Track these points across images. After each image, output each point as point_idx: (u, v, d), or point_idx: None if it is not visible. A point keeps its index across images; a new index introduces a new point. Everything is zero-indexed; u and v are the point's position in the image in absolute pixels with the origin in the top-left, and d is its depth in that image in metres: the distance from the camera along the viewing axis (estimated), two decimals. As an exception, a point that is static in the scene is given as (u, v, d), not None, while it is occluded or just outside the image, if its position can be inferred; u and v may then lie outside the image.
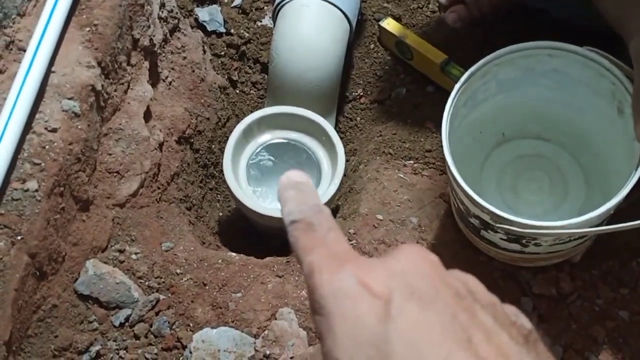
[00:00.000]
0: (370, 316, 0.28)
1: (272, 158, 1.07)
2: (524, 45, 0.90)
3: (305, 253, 0.31)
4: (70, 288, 0.81)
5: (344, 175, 1.04)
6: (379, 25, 1.23)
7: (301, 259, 0.32)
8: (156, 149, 0.96)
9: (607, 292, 0.88)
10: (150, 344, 0.81)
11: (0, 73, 0.79)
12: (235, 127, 1.04)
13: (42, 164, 0.75)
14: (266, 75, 1.19)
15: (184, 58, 1.12)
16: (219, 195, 1.18)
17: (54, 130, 0.77)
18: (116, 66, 0.90)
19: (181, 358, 0.80)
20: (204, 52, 1.20)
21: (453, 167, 0.79)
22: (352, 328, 0.28)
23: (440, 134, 1.12)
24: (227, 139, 1.02)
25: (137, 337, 0.81)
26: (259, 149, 1.06)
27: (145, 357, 0.79)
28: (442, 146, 0.83)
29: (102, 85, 0.86)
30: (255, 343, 0.80)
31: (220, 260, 0.89)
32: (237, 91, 1.27)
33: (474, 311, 0.29)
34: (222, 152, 1.02)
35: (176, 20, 1.13)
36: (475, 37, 1.23)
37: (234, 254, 0.92)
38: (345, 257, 0.31)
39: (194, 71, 1.12)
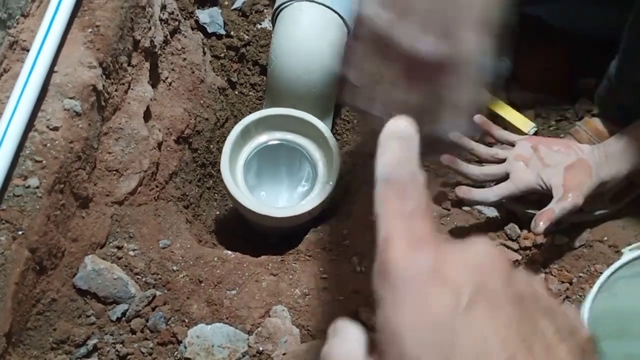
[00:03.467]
0: (439, 303, 0.28)
1: (269, 159, 1.09)
2: None
3: (387, 219, 0.30)
4: (69, 283, 0.83)
5: (340, 176, 1.05)
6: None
7: (380, 222, 0.31)
8: (155, 148, 0.97)
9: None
10: (146, 339, 0.82)
11: (4, 72, 0.81)
12: (233, 127, 1.05)
13: (44, 162, 0.77)
14: (265, 77, 1.21)
15: (184, 59, 1.14)
16: (216, 194, 1.20)
17: (56, 129, 0.79)
18: (117, 67, 0.92)
19: (176, 353, 0.81)
20: (204, 53, 1.22)
21: None
22: (420, 309, 0.28)
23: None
24: (225, 139, 1.04)
25: (133, 331, 0.82)
26: (256, 149, 1.07)
27: (141, 352, 0.81)
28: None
29: (103, 85, 0.87)
30: (248, 339, 0.82)
31: (216, 258, 0.90)
32: (236, 92, 1.28)
33: (537, 320, 0.29)
34: (220, 152, 1.04)
35: (177, 22, 1.14)
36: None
37: (229, 252, 0.94)
38: (426, 238, 0.30)
39: (193, 72, 1.14)
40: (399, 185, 0.31)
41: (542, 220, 0.91)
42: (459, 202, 1.03)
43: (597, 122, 1.03)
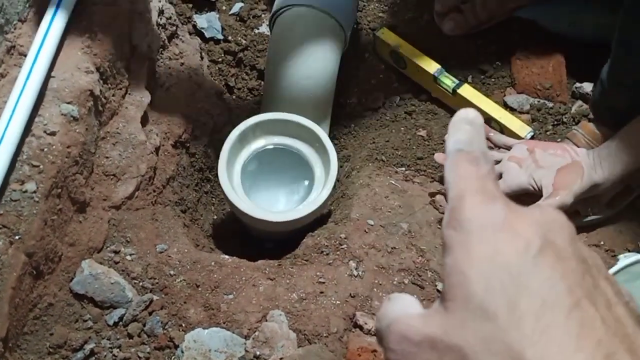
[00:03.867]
0: (510, 249, 0.29)
1: (266, 163, 1.09)
2: None
3: (460, 179, 0.32)
4: (66, 287, 0.83)
5: (337, 180, 1.06)
6: (374, 34, 1.25)
7: (453, 183, 0.33)
8: (152, 153, 0.98)
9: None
10: (143, 343, 0.82)
11: (1, 77, 0.81)
12: (230, 132, 1.05)
13: (41, 166, 0.77)
14: (262, 82, 1.21)
15: (182, 64, 1.14)
16: (213, 199, 1.20)
17: (53, 134, 0.79)
18: (114, 72, 0.92)
19: (173, 357, 0.81)
20: (202, 58, 1.22)
21: None
22: (491, 251, 0.29)
23: (432, 142, 1.14)
24: (223, 144, 1.04)
25: (130, 336, 0.83)
26: (254, 154, 1.08)
27: (138, 356, 0.81)
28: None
29: (101, 90, 0.88)
30: (245, 344, 0.82)
31: (213, 263, 0.91)
32: (234, 97, 1.29)
33: (598, 280, 0.30)
34: (218, 157, 1.04)
35: (174, 27, 1.15)
36: (468, 47, 1.25)
37: (226, 256, 0.94)
38: (497, 195, 0.32)
39: (191, 77, 1.14)
40: (473, 155, 0.33)
41: None
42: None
43: (593, 126, 1.03)
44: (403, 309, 0.33)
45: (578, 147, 1.00)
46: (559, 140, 1.08)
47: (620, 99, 0.99)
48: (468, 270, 0.29)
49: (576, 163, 0.95)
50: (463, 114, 0.34)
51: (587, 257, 0.31)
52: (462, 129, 0.34)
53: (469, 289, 0.29)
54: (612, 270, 0.70)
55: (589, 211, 0.99)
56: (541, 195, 0.94)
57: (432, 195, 1.06)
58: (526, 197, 0.96)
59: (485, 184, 0.32)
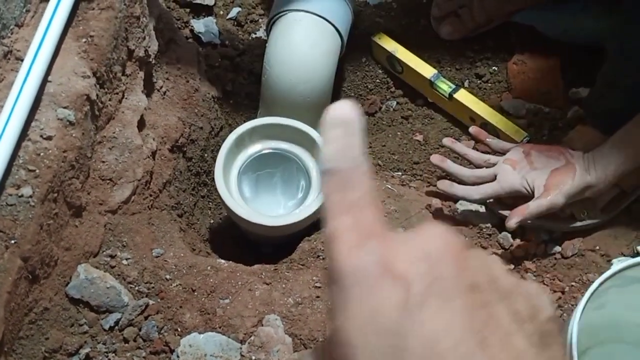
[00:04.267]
0: (388, 303, 0.26)
1: (263, 167, 1.09)
2: None
3: (331, 215, 0.29)
4: (62, 292, 0.83)
5: (333, 185, 1.05)
6: (371, 39, 1.25)
7: (327, 219, 0.29)
8: (149, 157, 0.98)
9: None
10: (139, 348, 0.82)
11: (-2, 81, 0.81)
12: (227, 136, 1.06)
13: (37, 171, 0.77)
14: (259, 87, 1.21)
15: (179, 68, 1.14)
16: (210, 203, 1.20)
17: (49, 138, 0.79)
18: (111, 76, 0.92)
19: (169, 362, 0.81)
20: (199, 63, 1.22)
21: None
22: (369, 312, 0.26)
23: (428, 147, 1.14)
24: (220, 148, 1.04)
25: (126, 340, 0.83)
26: (251, 158, 1.08)
27: (134, 360, 0.81)
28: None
29: (97, 95, 0.88)
30: (241, 348, 0.82)
31: (209, 267, 0.91)
32: (231, 101, 1.29)
33: (492, 306, 0.28)
34: (214, 161, 1.04)
35: (172, 32, 1.15)
36: (465, 52, 1.26)
37: (223, 261, 0.94)
38: (372, 229, 0.28)
39: (188, 81, 1.15)
40: (341, 175, 0.29)
41: (515, 215, 0.92)
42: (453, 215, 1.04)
43: (588, 130, 1.03)
44: None
45: (574, 150, 1.00)
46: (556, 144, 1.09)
47: (614, 101, 0.99)
48: (350, 337, 0.26)
49: (570, 165, 0.95)
50: (333, 113, 0.30)
51: (479, 277, 0.28)
52: (333, 139, 0.30)
53: None
54: (605, 275, 0.70)
55: (584, 215, 0.99)
56: (533, 197, 0.94)
57: (429, 194, 1.07)
58: (519, 199, 0.97)
59: (357, 216, 0.28)
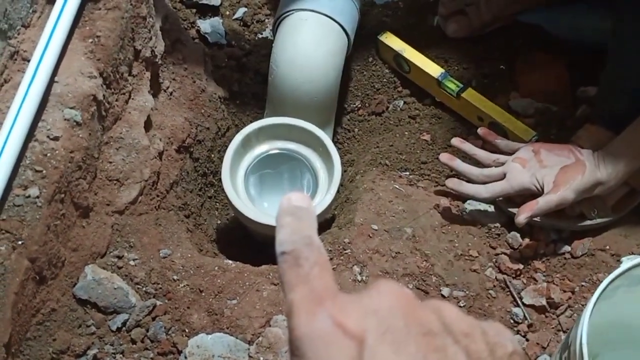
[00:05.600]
0: (344, 357, 0.28)
1: (270, 168, 1.09)
2: None
3: (288, 289, 0.31)
4: (69, 292, 0.83)
5: (341, 185, 1.05)
6: (378, 39, 1.25)
7: (285, 294, 0.32)
8: (156, 158, 0.98)
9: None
10: (147, 349, 0.82)
11: (4, 82, 0.81)
12: (234, 137, 1.05)
13: (44, 171, 0.77)
14: (266, 87, 1.21)
15: (185, 69, 1.14)
16: (217, 204, 1.20)
17: (56, 139, 0.79)
18: (118, 76, 0.92)
19: (176, 363, 0.81)
20: (205, 63, 1.22)
21: None
22: None
23: (436, 147, 1.14)
24: (227, 149, 1.04)
25: (133, 341, 0.82)
26: (257, 158, 1.07)
27: (141, 362, 0.81)
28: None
29: (104, 95, 0.88)
30: (249, 349, 0.81)
31: (216, 268, 0.90)
32: (237, 102, 1.29)
33: (447, 349, 0.29)
34: (221, 161, 1.04)
35: (178, 32, 1.15)
36: (472, 51, 1.25)
37: (230, 261, 0.94)
38: (324, 294, 0.30)
39: (194, 82, 1.15)
40: (294, 255, 0.32)
41: (524, 211, 0.92)
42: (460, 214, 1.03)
43: (597, 129, 1.03)
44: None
45: (583, 148, 0.99)
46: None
47: (617, 104, 0.99)
48: None
49: (579, 162, 0.95)
50: (284, 205, 0.34)
51: (433, 323, 0.30)
52: (284, 226, 0.33)
53: None
54: (614, 274, 0.69)
55: (594, 214, 0.98)
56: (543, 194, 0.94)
57: (437, 193, 1.06)
58: (529, 197, 0.96)
59: (310, 285, 0.31)
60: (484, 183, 1.00)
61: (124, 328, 0.83)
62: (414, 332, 0.29)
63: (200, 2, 1.31)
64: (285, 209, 0.33)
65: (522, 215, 0.92)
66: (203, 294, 0.87)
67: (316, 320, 0.29)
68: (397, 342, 0.28)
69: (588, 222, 0.99)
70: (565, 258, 0.97)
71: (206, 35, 1.29)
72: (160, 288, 0.87)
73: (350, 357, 0.28)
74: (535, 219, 0.96)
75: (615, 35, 0.98)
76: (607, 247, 0.97)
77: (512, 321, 0.91)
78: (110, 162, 0.91)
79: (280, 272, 0.32)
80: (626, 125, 0.94)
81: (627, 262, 0.71)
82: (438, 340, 0.29)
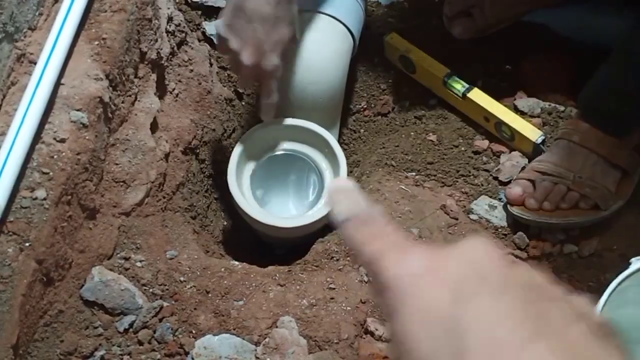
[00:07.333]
0: (441, 301, 0.28)
1: (275, 169, 1.09)
2: None
3: (365, 244, 0.31)
4: (76, 294, 0.83)
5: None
6: (383, 39, 1.25)
7: (360, 250, 0.32)
8: (162, 159, 0.98)
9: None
10: (154, 350, 0.82)
11: (11, 85, 0.82)
12: (240, 138, 1.05)
13: (51, 173, 0.77)
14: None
15: (191, 70, 1.14)
16: (223, 205, 1.20)
17: (63, 141, 0.80)
18: (124, 78, 0.92)
19: (183, 364, 0.81)
20: (211, 64, 1.22)
21: None
22: (424, 312, 0.28)
23: (442, 147, 1.14)
24: (232, 150, 1.04)
25: (140, 342, 0.82)
26: (263, 159, 1.07)
27: (148, 363, 0.81)
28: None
29: (110, 97, 0.88)
30: (256, 350, 0.81)
31: (223, 269, 0.90)
32: (243, 103, 1.29)
33: (542, 303, 0.28)
34: (227, 163, 1.04)
35: (183, 34, 1.15)
36: (478, 51, 1.25)
37: (236, 262, 0.94)
38: (409, 245, 0.31)
39: (200, 83, 1.15)
40: (360, 218, 0.33)
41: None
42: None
43: (584, 125, 1.04)
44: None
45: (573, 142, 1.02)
46: (557, 138, 1.07)
47: (609, 104, 1.00)
48: (410, 338, 0.28)
49: None
50: (333, 187, 0.35)
51: (527, 280, 0.29)
52: (340, 200, 0.34)
53: (418, 355, 0.28)
54: (624, 274, 0.69)
55: (609, 203, 0.99)
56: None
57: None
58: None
59: (389, 238, 0.31)
60: None
61: (131, 329, 0.83)
62: (511, 283, 0.28)
63: (205, 3, 1.31)
64: (336, 188, 0.35)
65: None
66: (210, 295, 0.87)
67: (410, 262, 0.29)
68: (495, 290, 0.28)
69: (604, 213, 0.99)
70: (572, 258, 0.97)
71: (212, 37, 1.29)
72: (167, 289, 0.87)
73: (447, 301, 0.28)
74: (552, 220, 0.97)
75: (623, 36, 0.97)
76: (615, 247, 0.97)
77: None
78: (117, 164, 0.91)
79: (347, 236, 0.33)
80: (611, 125, 0.97)
81: (636, 263, 0.71)
82: (533, 294, 0.28)
